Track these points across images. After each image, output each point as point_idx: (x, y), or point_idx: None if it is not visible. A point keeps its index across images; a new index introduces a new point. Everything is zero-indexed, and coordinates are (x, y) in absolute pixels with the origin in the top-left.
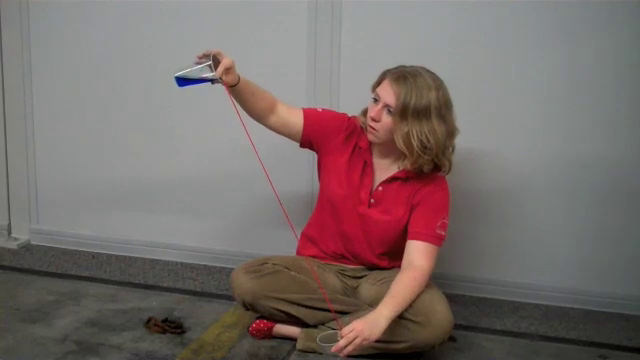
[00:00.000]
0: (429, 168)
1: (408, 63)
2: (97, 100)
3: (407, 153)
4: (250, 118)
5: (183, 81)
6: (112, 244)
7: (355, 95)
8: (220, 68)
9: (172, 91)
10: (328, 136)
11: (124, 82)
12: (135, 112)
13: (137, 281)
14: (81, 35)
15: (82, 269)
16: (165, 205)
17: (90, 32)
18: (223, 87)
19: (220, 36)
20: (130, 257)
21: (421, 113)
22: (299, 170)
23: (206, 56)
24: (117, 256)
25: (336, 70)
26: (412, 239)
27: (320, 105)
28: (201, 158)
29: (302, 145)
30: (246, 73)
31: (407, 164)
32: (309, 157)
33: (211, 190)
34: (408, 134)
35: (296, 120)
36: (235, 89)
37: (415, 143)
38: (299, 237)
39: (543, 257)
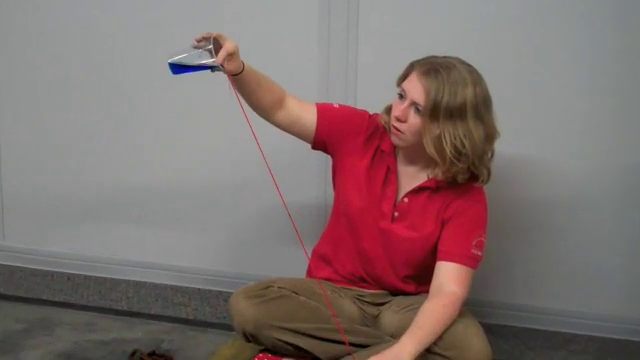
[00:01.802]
0: (464, 177)
1: (440, 52)
2: (69, 100)
3: (438, 160)
4: (254, 113)
5: (178, 68)
6: (90, 264)
7: (376, 90)
8: (222, 53)
9: (158, 84)
10: (346, 137)
11: (101, 77)
12: (115, 111)
13: (119, 307)
14: (45, 31)
15: (55, 293)
16: (152, 218)
17: (54, 26)
18: (224, 76)
19: (213, 13)
20: (111, 279)
21: (455, 113)
22: (310, 176)
23: (205, 39)
24: (96, 278)
25: (353, 59)
26: (443, 260)
27: (334, 101)
28: (194, 162)
29: (315, 146)
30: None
31: (438, 172)
32: (322, 161)
33: (206, 200)
34: (440, 137)
35: (308, 117)
36: (238, 78)
37: (448, 148)
38: (310, 256)
39: (597, 281)
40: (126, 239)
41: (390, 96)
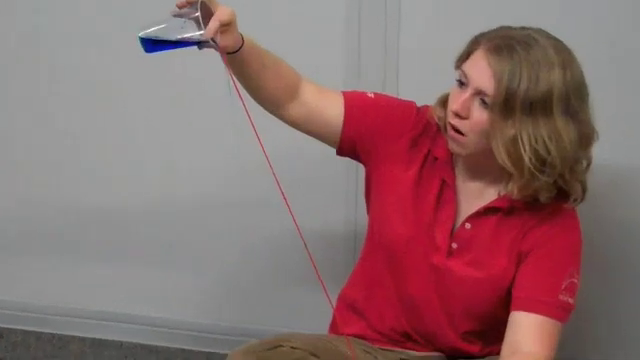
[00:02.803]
0: (549, 196)
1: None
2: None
3: (513, 171)
4: (258, 106)
5: (152, 44)
6: (31, 315)
7: (424, 74)
8: (212, 24)
9: (118, 72)
10: (384, 138)
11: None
12: (58, 110)
13: None
14: None
15: None
16: (116, 253)
17: None
18: (216, 54)
19: None
20: (60, 336)
21: (537, 106)
22: (335, 193)
23: (190, 4)
24: (39, 334)
25: (393, 35)
26: (520, 310)
27: (366, 89)
28: (174, 178)
29: (341, 151)
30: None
31: (513, 189)
32: (352, 172)
33: (191, 227)
34: (515, 140)
35: (332, 110)
36: (236, 57)
37: (527, 155)
38: (334, 304)
39: None
40: (80, 282)
41: (443, 84)
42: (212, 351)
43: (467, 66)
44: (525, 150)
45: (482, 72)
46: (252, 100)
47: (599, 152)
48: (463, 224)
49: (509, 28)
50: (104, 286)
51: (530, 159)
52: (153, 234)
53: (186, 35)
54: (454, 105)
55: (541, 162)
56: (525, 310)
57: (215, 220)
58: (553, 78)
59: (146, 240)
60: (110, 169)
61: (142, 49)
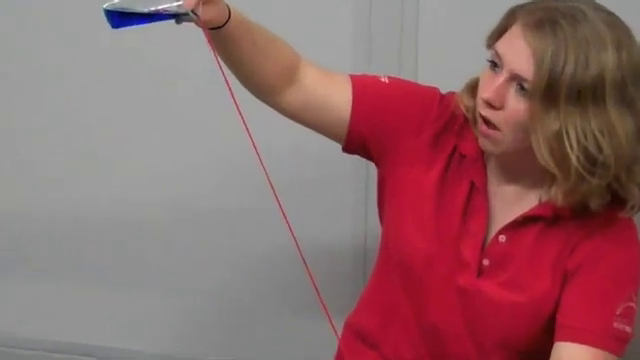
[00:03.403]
0: (601, 202)
1: None
2: None
3: (557, 172)
4: (247, 92)
5: (120, 17)
6: None
7: (448, 55)
8: None
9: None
10: (400, 132)
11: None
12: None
13: None
14: None
15: None
16: (74, 273)
17: None
18: (198, 30)
19: None
20: None
21: (587, 94)
22: (342, 199)
23: None
24: None
25: (412, 10)
26: (565, 340)
27: (379, 72)
28: (144, 181)
29: (348, 147)
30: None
31: (557, 194)
32: (362, 172)
33: (168, 243)
34: (559, 135)
35: (338, 97)
36: (221, 34)
37: (574, 153)
38: (340, 332)
39: None
40: (34, 307)
41: (472, 67)
42: None
43: (501, 45)
44: (572, 147)
45: (519, 52)
46: (241, 85)
47: None
48: (497, 236)
49: None
50: (69, 313)
51: (578, 158)
52: (120, 250)
53: (161, 7)
54: (485, 92)
55: (591, 162)
56: (571, 341)
57: (198, 233)
58: (605, 60)
59: (111, 258)
60: (68, 172)
61: (108, 24)
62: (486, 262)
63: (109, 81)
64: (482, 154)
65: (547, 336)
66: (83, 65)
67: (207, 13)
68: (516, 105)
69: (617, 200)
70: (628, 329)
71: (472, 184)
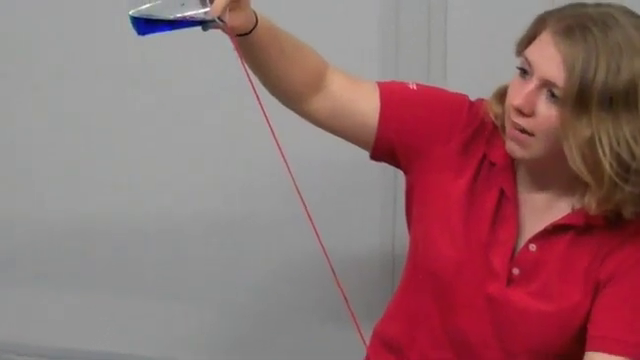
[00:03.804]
0: (634, 211)
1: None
2: None
3: (590, 180)
4: (273, 99)
5: (146, 24)
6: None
7: (477, 61)
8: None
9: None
10: (429, 140)
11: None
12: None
13: None
14: None
15: None
16: (98, 282)
17: None
18: (224, 36)
19: None
20: None
21: (619, 100)
22: (369, 208)
23: None
24: None
25: (439, 14)
26: (596, 350)
27: (407, 79)
28: (170, 191)
29: (376, 155)
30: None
31: (590, 202)
32: (390, 180)
33: (195, 253)
34: (592, 142)
35: (366, 104)
36: (248, 41)
37: (607, 161)
38: (369, 341)
39: None
40: (54, 315)
41: (502, 74)
42: None
43: (531, 52)
44: (605, 154)
45: (550, 59)
46: (268, 93)
47: None
48: (527, 245)
49: (582, 5)
50: (77, 319)
51: (611, 165)
52: (145, 260)
53: (187, 13)
54: (516, 99)
55: (624, 168)
56: (602, 351)
57: (223, 243)
58: (637, 66)
59: (137, 267)
60: (91, 178)
61: (133, 30)
62: (516, 271)
63: (131, 87)
64: (512, 162)
65: (578, 345)
66: (105, 69)
67: (234, 20)
68: (547, 112)
69: None
70: None
71: (502, 192)
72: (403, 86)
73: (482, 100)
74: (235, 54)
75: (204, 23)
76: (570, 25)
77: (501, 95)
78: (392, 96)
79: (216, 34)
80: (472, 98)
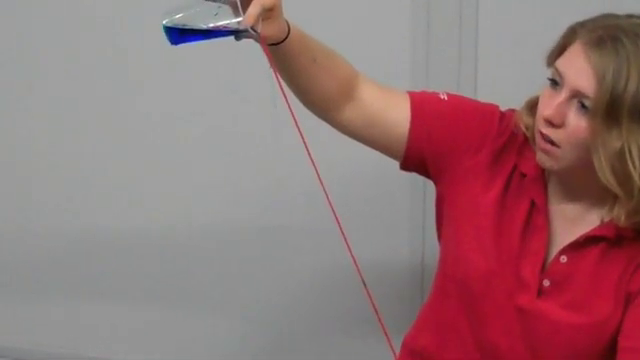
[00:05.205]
0: None
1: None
2: None
3: (620, 191)
4: (306, 110)
5: (180, 34)
6: None
7: (508, 72)
8: (253, 8)
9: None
10: (460, 150)
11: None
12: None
13: None
14: None
15: None
16: (121, 292)
17: None
18: (257, 45)
19: None
20: None
21: None
22: (399, 217)
23: None
24: None
25: (470, 27)
26: None
27: (437, 89)
28: (193, 199)
29: (406, 165)
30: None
31: (620, 214)
32: (419, 190)
33: (223, 262)
34: (622, 154)
35: (397, 114)
36: (281, 50)
37: (637, 173)
38: (398, 352)
39: None
40: (75, 325)
41: (532, 85)
42: None
43: (562, 63)
44: (635, 166)
45: (580, 70)
46: (299, 103)
47: None
48: (557, 257)
49: (614, 16)
50: (96, 328)
51: None
52: (168, 269)
53: (220, 23)
54: (546, 110)
55: None
56: None
57: (255, 252)
58: None
59: (158, 276)
60: (106, 185)
61: (167, 40)
62: (546, 282)
63: (172, 104)
64: (543, 173)
65: (609, 356)
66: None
67: (267, 29)
68: (577, 123)
69: None
70: None
71: (532, 203)
72: (434, 96)
73: (513, 110)
74: (268, 63)
75: (237, 33)
76: (601, 36)
77: (532, 106)
78: (423, 106)
79: (249, 43)
80: (502, 108)
